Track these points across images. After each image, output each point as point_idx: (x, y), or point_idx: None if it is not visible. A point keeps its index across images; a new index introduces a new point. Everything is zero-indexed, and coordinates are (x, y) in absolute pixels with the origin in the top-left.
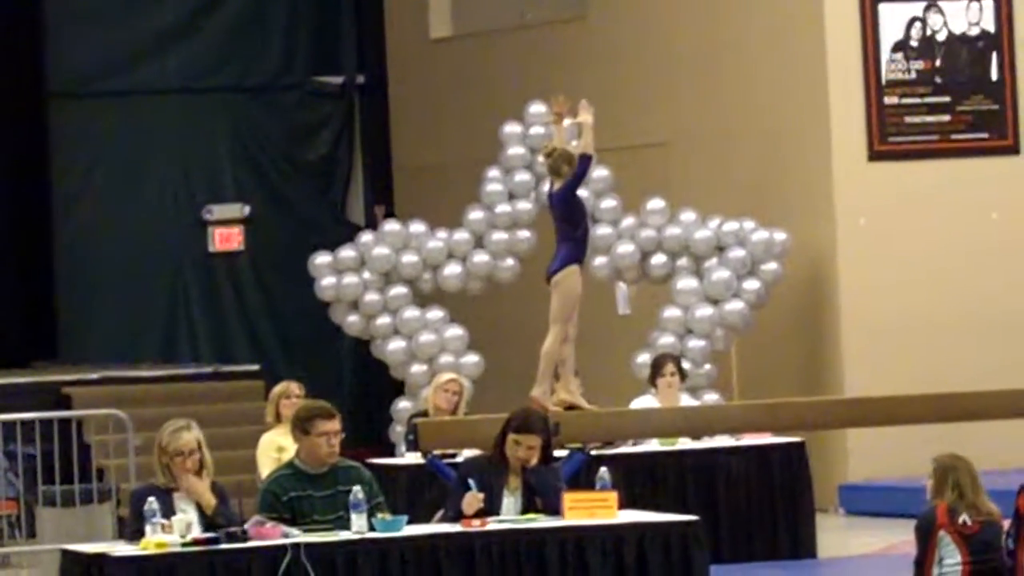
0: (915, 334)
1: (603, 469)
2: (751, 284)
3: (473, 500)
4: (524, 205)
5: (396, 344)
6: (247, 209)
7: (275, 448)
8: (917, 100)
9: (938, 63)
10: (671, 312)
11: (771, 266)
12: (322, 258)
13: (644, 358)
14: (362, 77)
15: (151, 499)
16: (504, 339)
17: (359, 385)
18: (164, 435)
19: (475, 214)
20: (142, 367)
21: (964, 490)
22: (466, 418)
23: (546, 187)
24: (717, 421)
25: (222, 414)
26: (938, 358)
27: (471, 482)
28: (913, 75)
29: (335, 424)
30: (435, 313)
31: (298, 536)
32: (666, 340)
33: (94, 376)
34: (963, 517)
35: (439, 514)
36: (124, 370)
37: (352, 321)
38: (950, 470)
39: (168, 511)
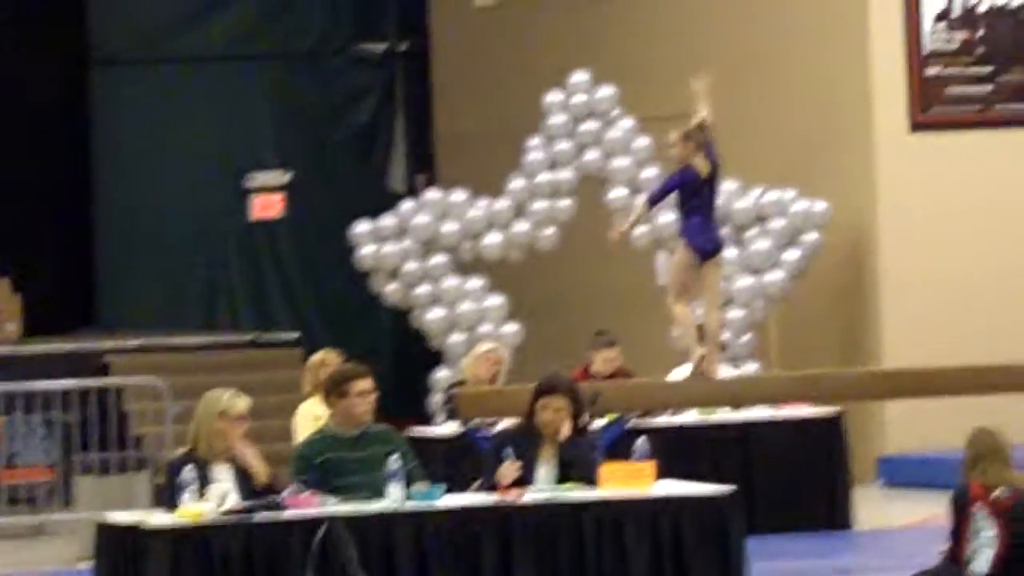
0: (955, 305)
1: (641, 439)
2: (791, 254)
3: (510, 470)
4: (565, 174)
5: (436, 313)
6: (288, 176)
7: (313, 417)
8: (959, 71)
9: (980, 34)
10: None
11: (812, 236)
12: (362, 226)
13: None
14: (405, 44)
15: (187, 468)
16: (544, 308)
17: (398, 354)
18: (222, 401)
19: (516, 182)
20: (181, 335)
21: (997, 464)
22: (504, 387)
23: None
24: (756, 392)
25: (261, 383)
26: (977, 330)
27: (507, 452)
28: (955, 46)
29: (370, 382)
30: (475, 282)
31: (334, 506)
32: None
33: (133, 344)
34: (998, 491)
35: (476, 484)
36: (163, 338)
37: (392, 289)
38: (982, 444)
39: (204, 480)
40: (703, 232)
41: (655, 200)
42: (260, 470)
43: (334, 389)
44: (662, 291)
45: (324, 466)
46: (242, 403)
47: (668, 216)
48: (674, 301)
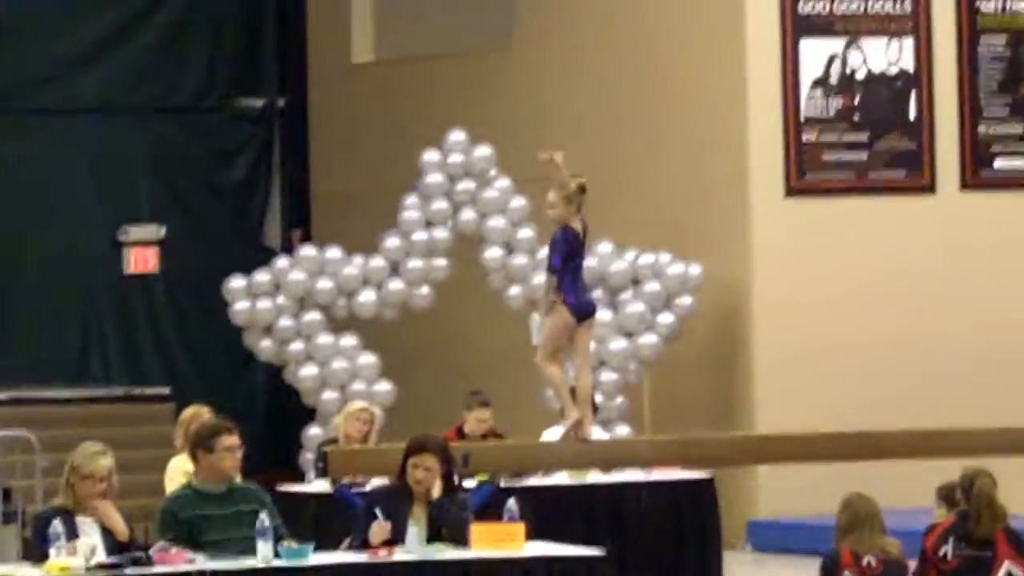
0: (828, 371)
1: (511, 501)
2: (665, 317)
3: (380, 530)
4: (441, 233)
5: (309, 370)
6: (163, 231)
7: (183, 472)
8: (835, 137)
9: (857, 101)
10: None
11: (686, 300)
12: (237, 282)
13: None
14: (283, 101)
15: (55, 522)
16: (417, 367)
17: (271, 411)
18: (79, 456)
19: (391, 241)
20: (52, 388)
21: (868, 531)
22: (375, 446)
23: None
24: (627, 455)
25: (132, 437)
26: (850, 395)
27: (378, 511)
28: (832, 112)
29: (236, 438)
30: (348, 340)
31: (203, 562)
32: None
33: (3, 396)
34: (868, 558)
35: (346, 542)
36: (34, 391)
37: (265, 346)
38: (855, 510)
39: (71, 533)
40: (579, 293)
41: (558, 267)
42: (118, 528)
43: (200, 444)
44: (535, 352)
45: (191, 523)
46: (97, 463)
47: (543, 277)
48: (547, 362)
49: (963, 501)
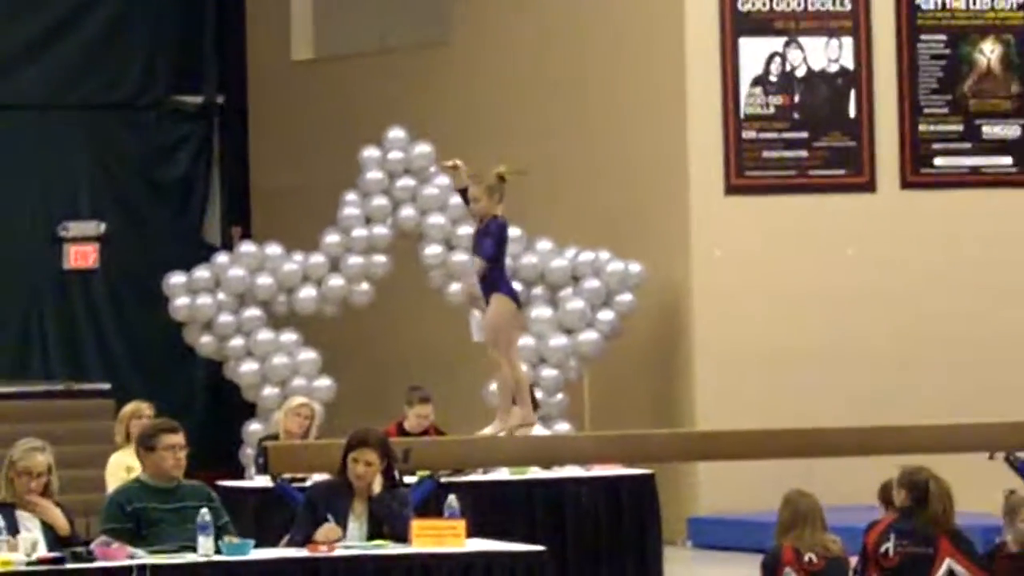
0: (768, 368)
1: (451, 497)
2: (605, 315)
3: (330, 532)
4: (381, 230)
5: (249, 366)
6: (103, 227)
7: (124, 468)
8: (775, 135)
9: (797, 99)
10: (524, 341)
11: (626, 297)
12: (177, 278)
13: (496, 386)
14: (222, 97)
15: None
16: (357, 363)
17: (211, 407)
18: (17, 451)
19: (331, 237)
20: None
21: (809, 528)
22: (316, 442)
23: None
24: (567, 451)
25: (72, 432)
26: (790, 392)
27: (329, 516)
28: (772, 110)
29: (179, 437)
30: (289, 336)
31: (144, 557)
32: None
33: None
34: (809, 555)
35: (286, 538)
36: None
37: (205, 342)
38: (796, 507)
39: (11, 528)
40: (510, 284)
41: (492, 255)
42: (58, 523)
43: (142, 444)
44: (475, 348)
45: (135, 514)
46: (34, 459)
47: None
48: (505, 355)
49: (907, 498)
